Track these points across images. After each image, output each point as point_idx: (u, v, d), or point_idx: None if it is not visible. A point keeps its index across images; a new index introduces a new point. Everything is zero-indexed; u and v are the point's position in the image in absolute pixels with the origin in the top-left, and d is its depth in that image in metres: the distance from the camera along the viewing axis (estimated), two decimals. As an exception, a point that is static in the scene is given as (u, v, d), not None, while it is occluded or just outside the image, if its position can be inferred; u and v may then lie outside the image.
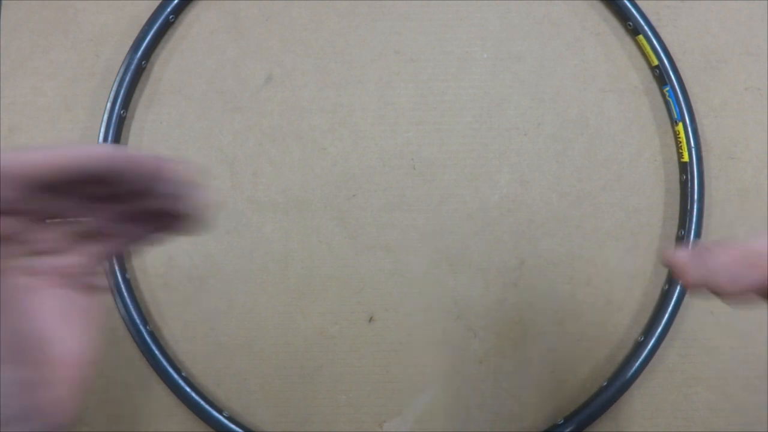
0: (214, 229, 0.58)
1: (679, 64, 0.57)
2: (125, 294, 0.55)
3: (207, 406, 0.54)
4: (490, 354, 0.57)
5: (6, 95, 0.60)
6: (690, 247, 0.30)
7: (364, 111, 0.59)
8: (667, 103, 0.58)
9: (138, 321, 0.55)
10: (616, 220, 0.58)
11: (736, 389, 0.56)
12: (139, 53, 0.57)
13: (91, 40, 0.60)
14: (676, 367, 0.56)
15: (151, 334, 0.55)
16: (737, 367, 0.56)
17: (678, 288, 0.55)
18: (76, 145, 0.25)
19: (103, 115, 0.57)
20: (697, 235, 0.55)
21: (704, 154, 0.57)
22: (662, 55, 0.57)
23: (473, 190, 0.58)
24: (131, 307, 0.55)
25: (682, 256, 0.29)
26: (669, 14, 0.60)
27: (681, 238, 0.56)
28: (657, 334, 0.54)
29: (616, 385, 0.54)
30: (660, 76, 0.58)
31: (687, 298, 0.55)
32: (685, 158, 0.56)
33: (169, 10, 0.58)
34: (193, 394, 0.55)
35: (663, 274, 0.57)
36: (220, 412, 0.55)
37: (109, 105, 0.57)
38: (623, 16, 0.58)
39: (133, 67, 0.57)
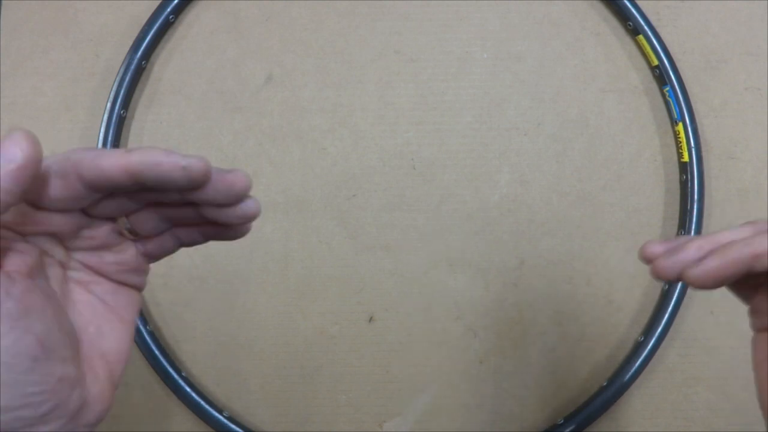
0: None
1: (679, 64, 0.57)
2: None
3: (207, 406, 0.54)
4: (490, 354, 0.57)
5: (6, 95, 0.60)
6: (663, 241, 0.31)
7: (364, 111, 0.59)
8: (667, 103, 0.58)
9: (138, 321, 0.55)
10: (616, 220, 0.58)
11: (736, 389, 0.56)
12: (139, 53, 0.57)
13: (91, 40, 0.60)
14: (676, 367, 0.56)
15: (151, 334, 0.55)
16: (737, 367, 0.56)
17: (678, 288, 0.55)
18: (148, 149, 0.25)
19: (103, 115, 0.57)
20: (697, 234, 0.55)
21: (704, 154, 0.57)
22: (662, 55, 0.57)
23: (473, 190, 0.58)
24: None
25: (655, 249, 0.31)
26: (669, 14, 0.60)
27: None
28: (657, 334, 0.54)
29: (616, 385, 0.54)
30: (660, 76, 0.58)
31: (687, 298, 0.55)
32: (685, 158, 0.56)
33: (169, 10, 0.58)
34: (193, 394, 0.55)
35: (663, 274, 0.57)
36: (220, 412, 0.55)
37: (109, 105, 0.57)
38: (623, 16, 0.58)
39: (133, 67, 0.57)
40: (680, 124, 0.57)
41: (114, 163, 0.24)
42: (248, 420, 0.56)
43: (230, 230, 0.29)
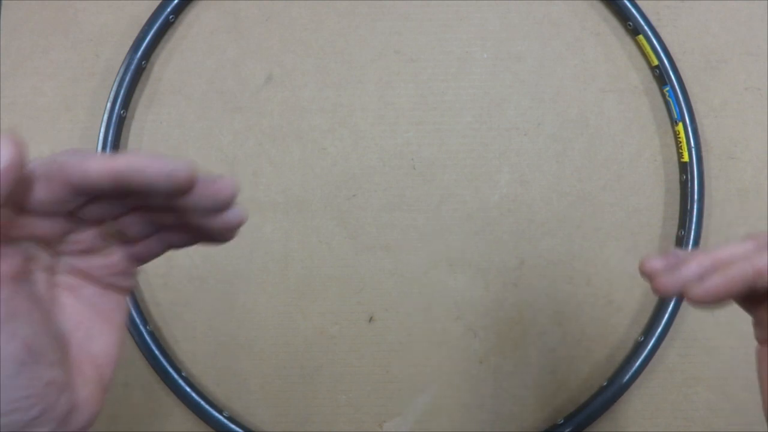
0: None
1: (679, 64, 0.57)
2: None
3: (207, 406, 0.54)
4: (490, 354, 0.57)
5: (6, 95, 0.60)
6: (664, 256, 0.31)
7: (364, 111, 0.59)
8: (667, 103, 0.58)
9: (138, 321, 0.55)
10: (616, 220, 0.58)
11: (736, 389, 0.56)
12: (139, 53, 0.57)
13: (91, 40, 0.60)
14: (676, 367, 0.56)
15: (151, 334, 0.55)
16: (737, 367, 0.56)
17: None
18: (133, 155, 0.24)
19: (103, 115, 0.57)
20: (697, 235, 0.55)
21: (704, 154, 0.57)
22: (662, 55, 0.57)
23: (473, 190, 0.58)
24: (131, 307, 0.55)
25: (655, 264, 0.30)
26: (669, 14, 0.60)
27: (681, 238, 0.56)
28: (657, 334, 0.54)
29: (616, 385, 0.54)
30: (660, 76, 0.58)
31: (687, 298, 0.55)
32: (685, 158, 0.56)
33: (169, 10, 0.58)
34: (193, 394, 0.55)
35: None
36: (220, 412, 0.55)
37: (109, 105, 0.57)
38: (623, 16, 0.58)
39: (133, 67, 0.57)
40: (680, 124, 0.57)
41: (99, 167, 0.24)
42: (248, 420, 0.56)
43: (216, 235, 0.29)
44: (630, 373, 0.54)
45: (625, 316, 0.57)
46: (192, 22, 0.60)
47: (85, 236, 0.28)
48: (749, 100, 0.59)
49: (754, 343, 0.33)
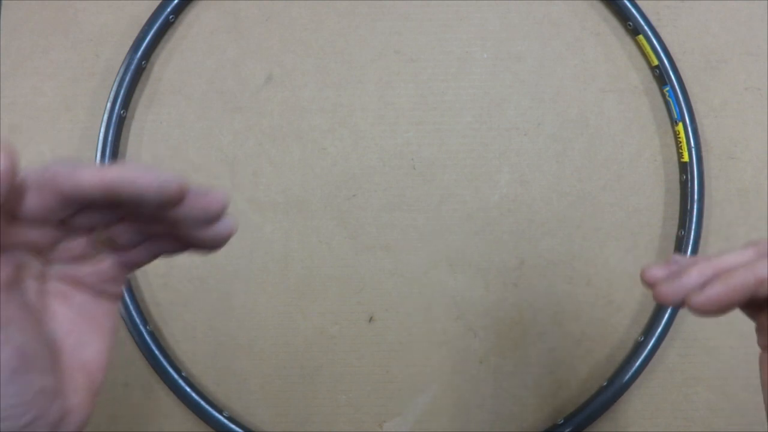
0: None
1: (679, 64, 0.57)
2: (125, 294, 0.55)
3: (207, 406, 0.54)
4: (490, 354, 0.57)
5: (6, 95, 0.60)
6: (664, 264, 0.31)
7: (364, 111, 0.59)
8: (667, 103, 0.58)
9: (138, 321, 0.55)
10: (616, 220, 0.58)
11: (736, 389, 0.56)
12: (139, 53, 0.57)
13: (91, 40, 0.60)
14: (676, 367, 0.56)
15: (151, 334, 0.55)
16: (737, 367, 0.56)
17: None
18: (124, 166, 0.25)
19: (103, 115, 0.57)
20: (697, 235, 0.55)
21: (704, 154, 0.57)
22: (662, 55, 0.57)
23: (473, 190, 0.58)
24: (131, 307, 0.55)
25: (656, 273, 0.31)
26: (669, 14, 0.60)
27: (681, 238, 0.56)
28: (657, 334, 0.54)
29: (616, 385, 0.54)
30: (660, 76, 0.58)
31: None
32: (685, 158, 0.56)
33: (169, 10, 0.58)
34: (193, 394, 0.55)
35: (663, 274, 0.57)
36: (220, 412, 0.55)
37: (109, 105, 0.57)
38: (623, 16, 0.58)
39: (133, 67, 0.57)
40: (680, 124, 0.57)
41: (91, 177, 0.24)
42: (248, 420, 0.56)
43: (206, 245, 0.29)
44: (630, 373, 0.54)
45: (625, 316, 0.57)
46: (192, 22, 0.60)
47: (76, 244, 0.28)
48: (749, 100, 0.59)
49: (755, 344, 0.33)
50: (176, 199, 0.25)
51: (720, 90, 0.59)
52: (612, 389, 0.54)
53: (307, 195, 0.58)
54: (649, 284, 0.31)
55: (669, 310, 0.55)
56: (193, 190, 0.26)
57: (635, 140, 0.58)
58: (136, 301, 0.56)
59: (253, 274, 0.57)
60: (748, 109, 0.59)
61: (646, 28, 0.57)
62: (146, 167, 0.25)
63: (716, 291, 0.28)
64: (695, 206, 0.55)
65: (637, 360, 0.54)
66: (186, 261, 0.57)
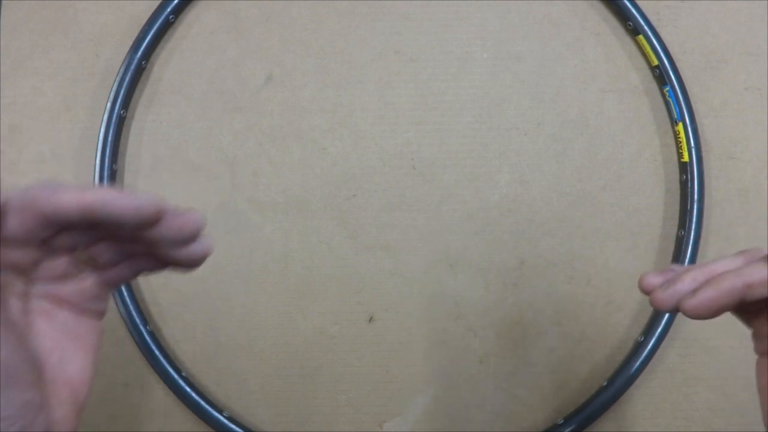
0: (214, 230, 0.58)
1: (679, 64, 0.57)
2: (125, 294, 0.55)
3: (207, 406, 0.54)
4: (490, 354, 0.57)
5: (6, 95, 0.60)
6: (661, 272, 0.33)
7: (364, 111, 0.59)
8: (667, 103, 0.58)
9: (138, 321, 0.55)
10: (616, 220, 0.58)
11: (736, 389, 0.56)
12: (139, 53, 0.57)
13: (91, 40, 0.60)
14: (676, 367, 0.56)
15: (151, 334, 0.55)
16: (737, 367, 0.56)
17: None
18: (102, 189, 0.26)
19: (103, 115, 0.57)
20: (697, 235, 0.55)
21: (704, 154, 0.57)
22: (662, 55, 0.57)
23: (473, 190, 0.58)
24: (131, 307, 0.55)
25: (653, 280, 0.32)
26: (669, 14, 0.60)
27: (681, 238, 0.56)
28: (657, 334, 0.54)
29: (616, 385, 0.54)
30: (660, 76, 0.58)
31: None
32: (685, 158, 0.56)
33: (169, 10, 0.58)
34: (193, 394, 0.55)
35: (663, 274, 0.57)
36: (220, 412, 0.55)
37: (109, 105, 0.57)
38: (623, 16, 0.58)
39: (133, 67, 0.57)
40: (680, 124, 0.57)
41: (70, 199, 0.25)
42: (248, 420, 0.56)
43: (183, 264, 0.30)
44: (630, 373, 0.54)
45: (625, 316, 0.57)
46: (192, 22, 0.60)
47: (58, 263, 0.29)
48: (749, 100, 0.59)
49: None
50: (152, 220, 0.27)
51: (720, 90, 0.59)
52: (612, 389, 0.54)
53: (307, 195, 0.58)
54: (647, 291, 0.32)
55: (669, 310, 0.55)
56: (169, 212, 0.27)
57: (635, 140, 0.58)
58: (136, 301, 0.56)
59: (253, 274, 0.57)
60: (748, 109, 0.59)
61: (646, 28, 0.57)
62: (121, 191, 0.26)
63: (707, 295, 0.30)
64: (695, 206, 0.55)
65: (637, 360, 0.54)
66: (186, 261, 0.57)
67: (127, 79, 0.57)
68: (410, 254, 0.58)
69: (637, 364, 0.54)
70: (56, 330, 0.30)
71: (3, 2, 0.61)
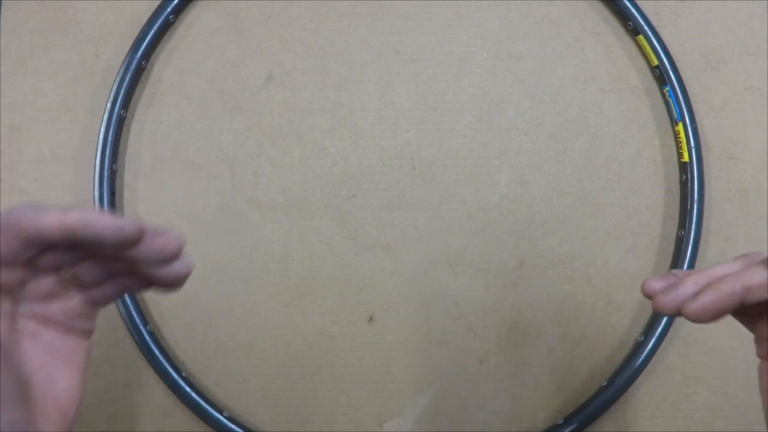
0: (214, 230, 0.58)
1: (679, 64, 0.57)
2: (126, 294, 0.55)
3: (207, 406, 0.54)
4: (490, 354, 0.57)
5: (6, 95, 0.60)
6: (662, 277, 0.33)
7: (364, 111, 0.59)
8: (667, 103, 0.58)
9: (138, 321, 0.55)
10: (616, 220, 0.58)
11: (736, 389, 0.56)
12: (139, 53, 0.57)
13: (91, 40, 0.60)
14: (676, 367, 0.56)
15: (151, 334, 0.55)
16: (737, 367, 0.56)
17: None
18: (84, 210, 0.27)
19: (103, 115, 0.57)
20: (697, 235, 0.55)
21: (704, 154, 0.57)
22: (662, 55, 0.57)
23: (473, 190, 0.58)
24: (131, 307, 0.55)
25: (655, 285, 0.32)
26: (669, 14, 0.60)
27: (681, 238, 0.56)
28: (657, 334, 0.54)
29: (616, 385, 0.54)
30: (660, 76, 0.58)
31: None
32: (685, 158, 0.56)
33: (169, 10, 0.58)
34: (193, 394, 0.55)
35: (663, 274, 0.57)
36: (220, 412, 0.55)
37: (109, 105, 0.57)
38: (623, 16, 0.58)
39: (133, 67, 0.57)
40: (680, 124, 0.57)
41: (52, 220, 0.26)
42: (248, 420, 0.56)
43: (165, 283, 0.31)
44: (630, 373, 0.54)
45: (625, 316, 0.57)
46: (192, 22, 0.60)
47: (44, 283, 0.29)
48: (749, 100, 0.59)
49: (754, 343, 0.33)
50: (133, 240, 0.27)
51: (720, 90, 0.59)
52: (612, 389, 0.54)
53: (307, 195, 0.58)
54: (649, 296, 0.33)
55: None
56: (149, 232, 0.28)
57: (635, 140, 0.58)
58: (136, 301, 0.56)
59: (253, 274, 0.57)
60: (748, 109, 0.59)
61: (646, 28, 0.57)
62: (102, 212, 0.27)
63: (707, 299, 0.30)
64: (695, 206, 0.55)
65: (637, 360, 0.54)
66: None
67: (127, 79, 0.57)
68: (410, 254, 0.58)
69: (637, 364, 0.54)
70: (43, 349, 0.30)
71: (3, 2, 0.61)
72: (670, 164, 0.58)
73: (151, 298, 0.58)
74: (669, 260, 0.57)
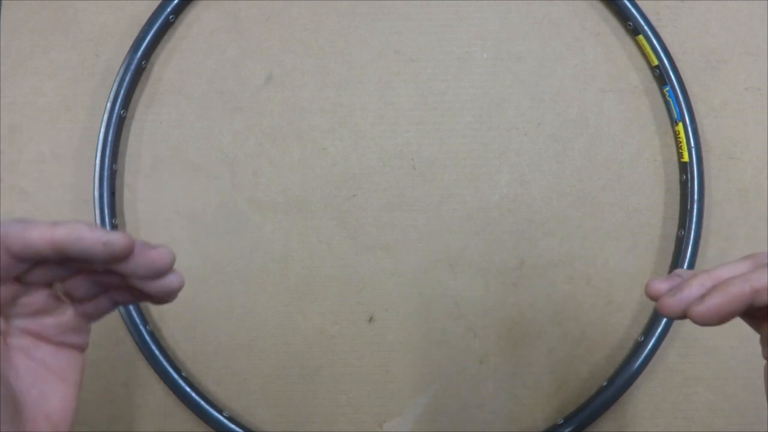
0: (214, 230, 0.58)
1: (679, 64, 0.57)
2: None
3: (207, 406, 0.54)
4: (490, 354, 0.57)
5: (6, 95, 0.60)
6: (667, 278, 0.32)
7: (364, 111, 0.59)
8: (667, 103, 0.58)
9: (138, 321, 0.55)
10: (616, 220, 0.58)
11: (736, 389, 0.56)
12: (139, 53, 0.57)
13: (91, 40, 0.60)
14: (676, 367, 0.56)
15: (151, 334, 0.55)
16: (737, 367, 0.56)
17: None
18: (73, 224, 0.27)
19: (103, 115, 0.57)
20: (697, 235, 0.55)
21: (704, 154, 0.57)
22: (662, 55, 0.57)
23: (473, 190, 0.58)
24: (131, 307, 0.55)
25: (660, 286, 0.32)
26: (669, 14, 0.60)
27: (681, 238, 0.56)
28: (657, 334, 0.54)
29: (616, 385, 0.54)
30: (660, 76, 0.58)
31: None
32: (685, 158, 0.56)
33: (169, 10, 0.58)
34: (193, 394, 0.55)
35: (663, 274, 0.57)
36: (220, 412, 0.55)
37: (109, 105, 0.57)
38: (623, 16, 0.58)
39: (133, 67, 0.57)
40: (680, 124, 0.57)
41: (40, 236, 0.26)
42: (248, 420, 0.56)
43: (156, 297, 0.31)
44: (630, 373, 0.54)
45: (625, 316, 0.57)
46: (192, 22, 0.60)
47: (36, 298, 0.29)
48: (749, 100, 0.59)
49: (755, 344, 0.33)
50: (122, 254, 0.27)
51: (720, 90, 0.59)
52: (612, 389, 0.54)
53: (307, 195, 0.58)
54: (653, 297, 0.32)
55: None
56: (139, 246, 0.28)
57: (635, 140, 0.58)
58: (136, 301, 0.56)
59: (253, 274, 0.57)
60: (748, 109, 0.59)
61: (646, 28, 0.57)
62: (91, 226, 0.26)
63: (715, 301, 0.29)
64: (695, 206, 0.55)
65: (637, 360, 0.54)
66: (186, 261, 0.57)
67: (127, 79, 0.57)
68: (410, 254, 0.58)
69: (637, 364, 0.54)
70: (36, 365, 0.30)
71: (3, 2, 0.61)
72: (670, 164, 0.58)
73: (151, 298, 0.58)
74: (669, 260, 0.57)
